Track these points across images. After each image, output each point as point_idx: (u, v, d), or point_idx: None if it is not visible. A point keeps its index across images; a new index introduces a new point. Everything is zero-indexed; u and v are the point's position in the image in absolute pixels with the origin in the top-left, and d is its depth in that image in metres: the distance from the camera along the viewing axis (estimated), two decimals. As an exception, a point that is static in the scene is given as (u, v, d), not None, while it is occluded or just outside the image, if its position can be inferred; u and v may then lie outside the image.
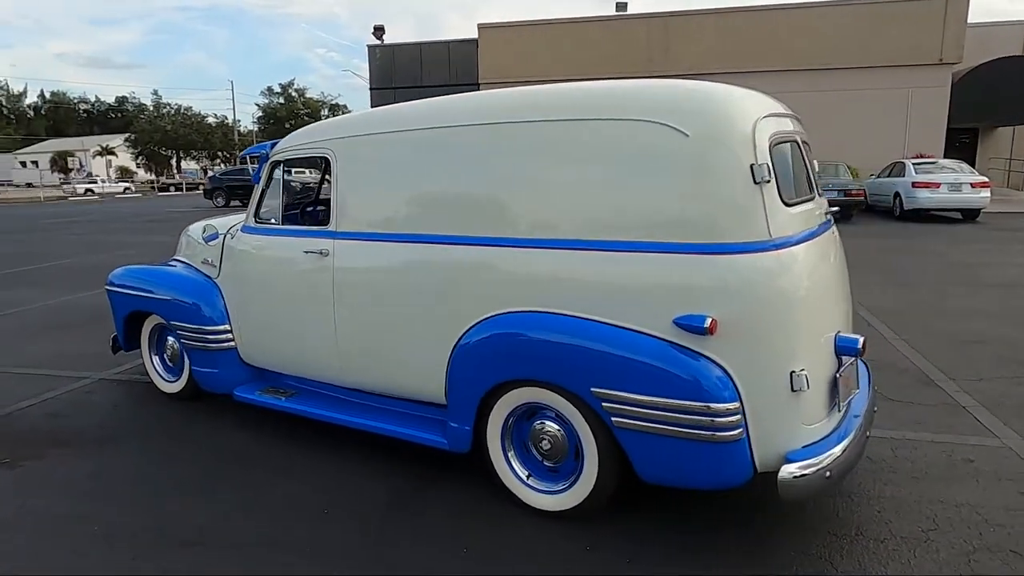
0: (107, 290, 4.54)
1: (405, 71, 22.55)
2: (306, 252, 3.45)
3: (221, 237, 3.99)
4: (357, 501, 3.06)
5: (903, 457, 3.41)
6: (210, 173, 33.54)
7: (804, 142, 3.04)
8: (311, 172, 10.57)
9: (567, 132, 2.71)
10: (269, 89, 64.45)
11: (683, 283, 2.48)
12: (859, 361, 3.36)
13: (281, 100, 64.56)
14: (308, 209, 3.86)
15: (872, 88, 19.27)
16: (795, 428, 2.48)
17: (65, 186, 42.20)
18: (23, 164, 69.57)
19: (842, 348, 2.62)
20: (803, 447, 2.48)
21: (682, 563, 2.57)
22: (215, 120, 63.84)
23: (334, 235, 3.36)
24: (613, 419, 2.58)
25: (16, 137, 77.18)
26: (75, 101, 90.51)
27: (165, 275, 4.25)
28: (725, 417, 2.40)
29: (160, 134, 52.23)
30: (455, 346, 2.93)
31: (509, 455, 2.96)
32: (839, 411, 2.64)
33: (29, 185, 52.91)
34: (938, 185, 14.77)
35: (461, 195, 3.00)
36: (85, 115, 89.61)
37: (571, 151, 2.70)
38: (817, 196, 2.95)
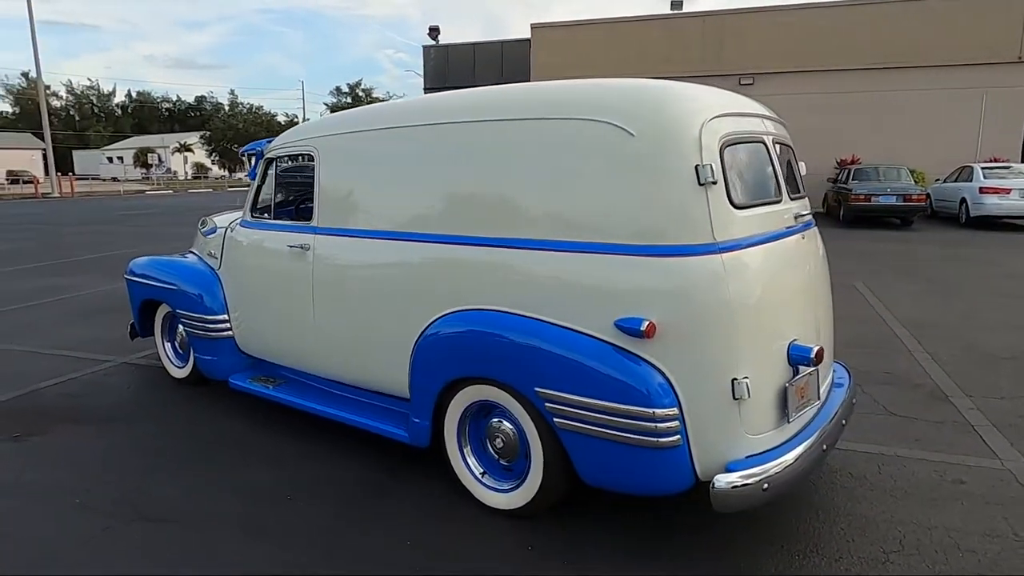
0: (126, 278, 4.80)
1: (458, 71, 22.80)
2: (290, 246, 3.57)
3: (220, 231, 4.17)
4: (329, 488, 3.15)
5: (888, 474, 3.25)
6: None
7: (780, 143, 2.95)
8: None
9: (517, 131, 2.71)
10: (337, 89, 66.65)
11: (625, 285, 2.45)
12: (844, 371, 3.25)
13: (348, 100, 66.64)
14: (300, 205, 3.98)
15: (941, 88, 18.25)
16: (737, 437, 2.41)
17: (145, 179, 44.60)
18: (110, 159, 73.83)
19: (795, 357, 2.53)
20: (747, 457, 2.41)
21: (621, 567, 2.53)
22: (285, 119, 66.37)
23: (315, 230, 3.47)
24: (555, 420, 2.57)
25: (105, 134, 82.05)
26: (158, 100, 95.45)
27: (175, 266, 4.46)
28: (662, 423, 2.36)
29: (233, 132, 54.65)
30: (416, 342, 2.97)
31: (465, 451, 2.98)
32: (789, 422, 2.54)
33: (114, 179, 56.04)
34: (1008, 191, 13.89)
35: (418, 193, 3.05)
36: (167, 113, 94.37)
37: (521, 150, 2.70)
38: (789, 198, 2.84)
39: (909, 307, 6.86)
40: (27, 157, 60.73)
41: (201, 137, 56.94)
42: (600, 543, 2.69)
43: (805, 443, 2.52)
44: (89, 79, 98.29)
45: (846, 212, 15.14)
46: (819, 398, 2.74)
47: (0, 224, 18.14)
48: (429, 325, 2.92)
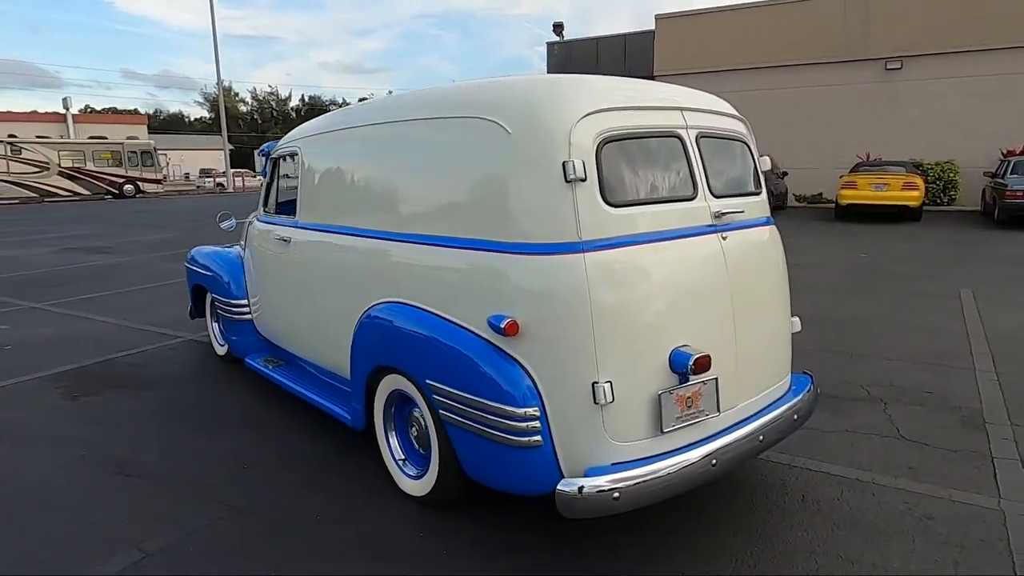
0: (184, 265, 5.44)
1: (580, 66, 22.66)
2: (277, 239, 3.90)
3: (239, 223, 4.63)
4: (295, 459, 3.43)
5: (847, 501, 2.95)
6: None
7: (714, 137, 2.78)
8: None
9: (419, 130, 2.81)
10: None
11: (498, 283, 2.47)
12: (805, 384, 3.00)
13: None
14: (291, 201, 4.31)
15: None
16: (601, 443, 2.34)
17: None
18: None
19: (674, 364, 2.39)
20: (612, 464, 2.34)
21: (498, 563, 2.55)
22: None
23: (296, 225, 3.77)
24: (440, 412, 2.64)
25: (281, 135, 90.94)
26: (327, 103, 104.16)
27: (216, 256, 5.00)
28: (523, 422, 2.35)
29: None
30: (354, 331, 3.16)
31: (390, 437, 3.12)
32: (663, 432, 2.40)
33: (286, 176, 62.16)
34: None
35: (357, 191, 3.24)
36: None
37: (422, 149, 2.79)
38: (712, 196, 2.67)
39: (1010, 323, 5.97)
40: (217, 157, 69.19)
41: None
42: (481, 539, 2.71)
43: (684, 456, 2.38)
44: (270, 86, 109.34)
45: (1001, 210, 13.26)
46: (719, 410, 2.55)
47: (176, 214, 20.84)
48: (362, 314, 3.09)
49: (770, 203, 3.16)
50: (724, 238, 2.67)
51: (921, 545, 2.62)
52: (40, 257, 11.47)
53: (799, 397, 2.93)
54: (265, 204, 4.35)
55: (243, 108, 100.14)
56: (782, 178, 18.18)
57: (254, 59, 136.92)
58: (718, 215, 2.66)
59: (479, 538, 2.72)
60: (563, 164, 2.30)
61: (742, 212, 2.76)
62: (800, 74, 19.07)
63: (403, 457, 3.08)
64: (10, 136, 32.01)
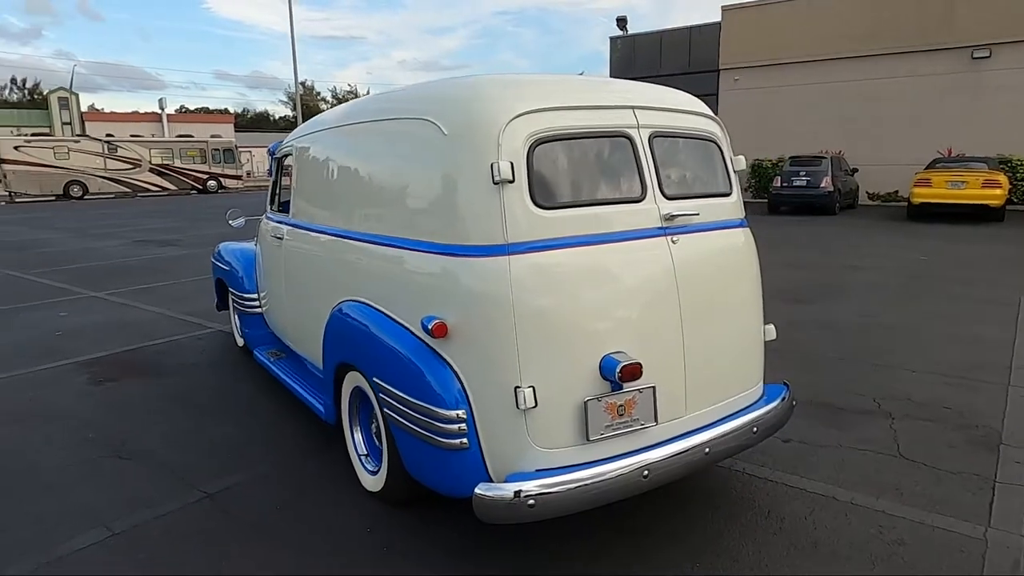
0: (211, 260, 5.71)
1: (643, 61, 22.23)
2: (274, 236, 4.04)
3: (249, 221, 4.82)
4: (278, 449, 3.57)
5: (815, 520, 2.80)
6: None
7: (674, 136, 2.69)
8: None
9: (372, 131, 2.85)
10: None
11: (433, 283, 2.48)
12: (777, 395, 2.88)
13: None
14: (288, 200, 4.44)
15: None
16: (525, 448, 2.31)
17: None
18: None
19: (603, 371, 2.33)
20: (536, 470, 2.31)
21: (430, 559, 2.57)
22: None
23: (287, 222, 3.89)
24: (384, 410, 2.67)
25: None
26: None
27: (235, 251, 5.22)
28: (451, 424, 2.36)
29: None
30: (324, 327, 3.24)
31: (354, 431, 3.18)
32: (588, 440, 2.34)
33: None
34: None
35: (329, 190, 3.32)
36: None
37: (374, 150, 2.84)
38: (663, 197, 2.58)
39: (1068, 332, 5.48)
40: (296, 153, 72.40)
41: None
42: (420, 534, 2.73)
43: (611, 466, 2.32)
44: (349, 85, 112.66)
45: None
46: (657, 420, 2.46)
47: (248, 208, 21.80)
48: (332, 311, 3.16)
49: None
50: (674, 241, 2.57)
51: (880, 573, 2.45)
52: (113, 248, 12.28)
53: (763, 409, 2.80)
54: (271, 202, 4.51)
55: (324, 106, 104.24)
56: (851, 175, 17.28)
57: (338, 59, 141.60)
58: (668, 217, 2.57)
59: (428, 536, 2.73)
60: (491, 166, 2.28)
61: (697, 215, 2.65)
62: (875, 65, 18.01)
63: (365, 452, 3.14)
64: (107, 135, 34.39)
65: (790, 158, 16.68)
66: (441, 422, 2.37)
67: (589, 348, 2.34)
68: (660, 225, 2.56)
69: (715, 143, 2.88)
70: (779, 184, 16.14)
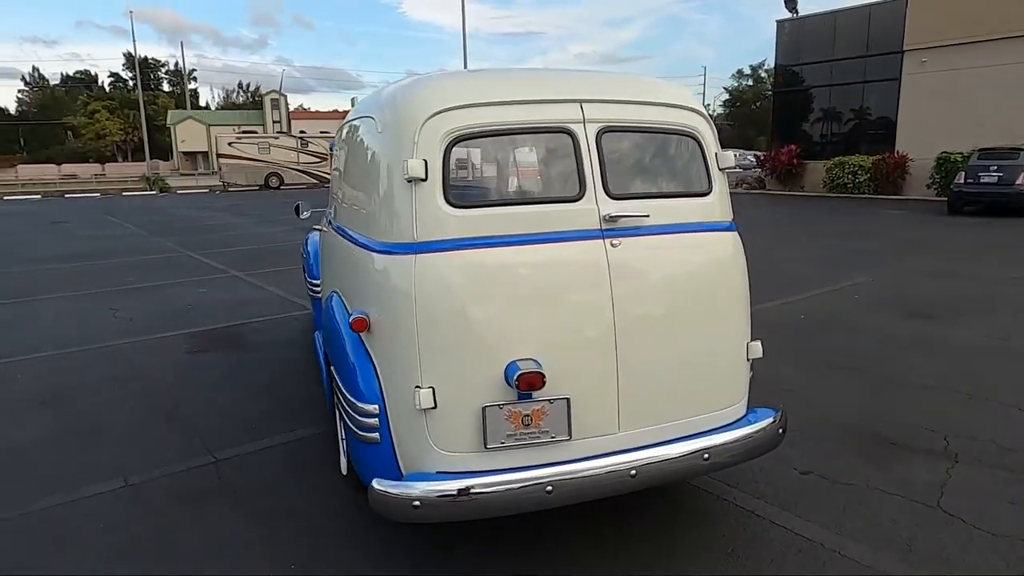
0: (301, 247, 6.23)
1: (813, 44, 20.30)
2: (323, 226, 4.32)
3: (315, 212, 5.17)
4: (297, 426, 3.85)
5: (781, 565, 2.47)
6: None
7: (622, 129, 2.49)
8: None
9: (351, 128, 2.99)
10: (739, 72, 65.06)
11: (364, 278, 2.54)
12: (763, 418, 2.61)
13: (749, 82, 64.73)
14: None
15: None
16: (426, 449, 2.29)
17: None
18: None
19: (507, 377, 2.22)
20: (436, 472, 2.28)
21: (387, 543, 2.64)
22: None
23: (327, 214, 4.15)
24: (336, 396, 2.79)
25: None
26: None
27: (311, 239, 5.64)
28: (366, 418, 2.41)
29: (622, 121, 58.30)
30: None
31: (336, 417, 3.33)
32: (487, 447, 2.25)
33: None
34: None
35: (335, 185, 3.50)
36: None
37: (348, 146, 2.97)
38: (607, 196, 2.39)
39: None
40: (470, 147, 76.01)
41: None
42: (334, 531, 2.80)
43: (507, 477, 2.22)
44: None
45: None
46: (571, 435, 2.30)
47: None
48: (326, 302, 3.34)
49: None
50: (615, 244, 2.38)
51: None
52: (278, 234, 13.74)
53: (725, 435, 2.51)
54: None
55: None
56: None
57: (517, 55, 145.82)
58: (609, 218, 2.38)
59: (391, 530, 2.81)
60: (405, 163, 2.28)
61: (647, 216, 2.43)
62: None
63: (344, 437, 3.28)
64: (300, 132, 38.44)
65: (979, 150, 14.41)
66: (359, 415, 2.43)
67: (493, 353, 2.26)
68: (598, 227, 2.38)
69: (693, 137, 2.61)
70: (963, 180, 14.04)
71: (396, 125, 2.37)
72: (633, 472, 2.33)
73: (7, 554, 2.65)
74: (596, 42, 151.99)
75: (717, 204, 2.64)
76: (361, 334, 2.48)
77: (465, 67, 45.75)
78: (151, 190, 33.25)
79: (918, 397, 4.09)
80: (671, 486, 2.96)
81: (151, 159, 48.09)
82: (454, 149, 2.30)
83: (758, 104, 60.04)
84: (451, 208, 2.28)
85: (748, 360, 2.70)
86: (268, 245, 11.95)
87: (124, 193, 33.05)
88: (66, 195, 32.79)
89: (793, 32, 21.46)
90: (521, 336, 2.29)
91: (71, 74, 79.15)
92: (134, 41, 55.13)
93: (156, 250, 11.76)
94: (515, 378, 2.19)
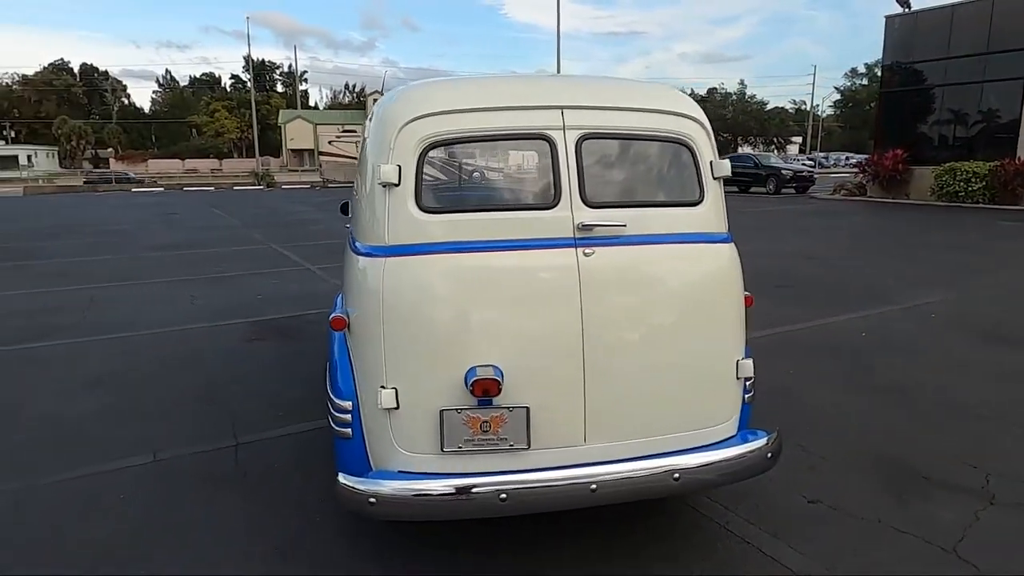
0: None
1: (926, 42, 18.78)
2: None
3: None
4: (320, 417, 4.03)
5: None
6: None
7: (605, 136, 2.44)
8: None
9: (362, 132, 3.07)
10: (853, 71, 61.55)
11: (347, 279, 2.63)
12: (750, 441, 2.52)
13: (864, 82, 61.08)
14: None
15: None
16: (391, 448, 2.35)
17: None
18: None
19: (467, 382, 2.23)
20: (399, 471, 2.34)
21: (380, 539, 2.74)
22: (792, 106, 64.35)
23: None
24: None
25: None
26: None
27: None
28: (340, 413, 2.49)
29: (720, 122, 56.33)
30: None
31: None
32: (443, 451, 2.26)
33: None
34: None
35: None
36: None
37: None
38: (583, 204, 2.34)
39: None
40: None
41: (690, 128, 60.67)
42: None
43: (461, 481, 2.23)
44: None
45: None
46: (530, 444, 2.27)
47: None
48: None
49: None
50: (588, 254, 2.34)
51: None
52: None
53: (702, 456, 2.41)
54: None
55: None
56: None
57: (619, 55, 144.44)
58: (583, 227, 2.34)
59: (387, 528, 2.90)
60: (378, 168, 2.34)
61: (624, 225, 2.37)
62: None
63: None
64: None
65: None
66: (335, 411, 2.51)
67: (455, 358, 2.28)
68: (572, 235, 2.35)
69: (685, 145, 2.52)
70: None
71: (377, 130, 2.44)
72: (593, 487, 2.28)
73: (31, 518, 2.93)
74: (700, 41, 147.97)
75: (710, 214, 2.53)
76: (345, 333, 2.57)
77: (558, 68, 45.73)
78: (259, 185, 35.46)
79: (969, 429, 3.75)
80: (657, 502, 2.87)
81: (262, 156, 51.23)
82: (431, 155, 2.34)
83: (872, 105, 56.59)
84: (422, 213, 2.32)
85: (740, 378, 2.57)
86: (342, 240, 12.44)
87: (235, 187, 35.40)
88: (184, 188, 35.54)
89: (904, 28, 19.98)
90: (485, 342, 2.29)
91: (198, 76, 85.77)
92: (249, 44, 58.65)
93: (245, 241, 12.55)
94: (470, 383, 2.20)
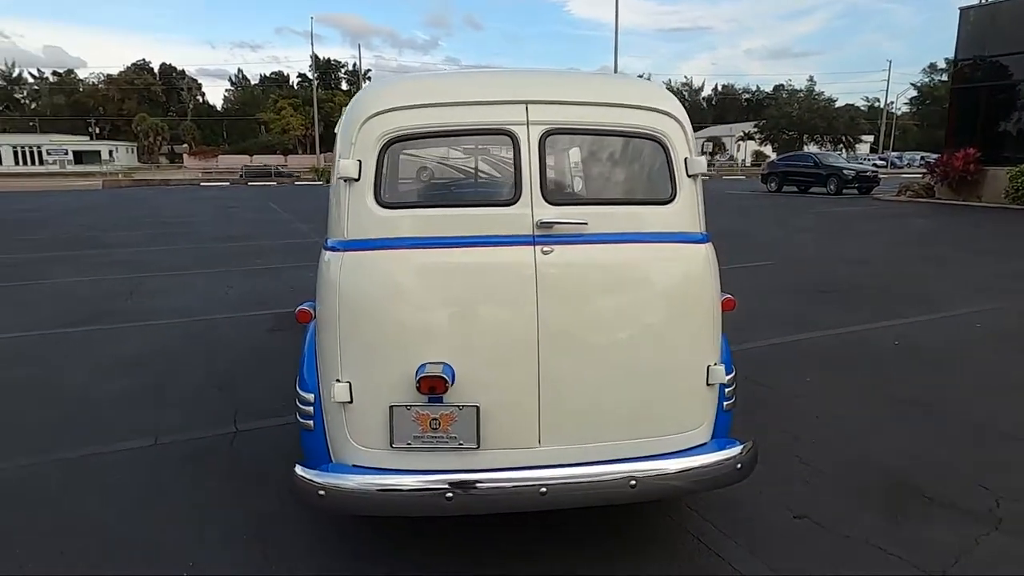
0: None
1: (1003, 35, 17.58)
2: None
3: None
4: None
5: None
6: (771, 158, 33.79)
7: (570, 131, 2.38)
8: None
9: None
10: (932, 66, 58.54)
11: (317, 274, 2.64)
12: (720, 450, 2.43)
13: (944, 78, 58.07)
14: None
15: None
16: (345, 441, 2.36)
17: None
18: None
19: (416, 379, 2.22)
20: (353, 465, 2.35)
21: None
22: (865, 103, 61.63)
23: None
24: (303, 383, 2.93)
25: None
26: (739, 92, 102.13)
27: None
28: (304, 405, 2.52)
29: (786, 120, 54.41)
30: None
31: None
32: (392, 446, 2.25)
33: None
34: None
35: None
36: (745, 103, 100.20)
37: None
38: (539, 202, 2.29)
39: None
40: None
41: (755, 126, 58.60)
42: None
43: (406, 479, 2.22)
44: (685, 77, 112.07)
45: None
46: (479, 444, 2.23)
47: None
48: None
49: None
50: (546, 252, 2.29)
51: None
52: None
53: (661, 464, 2.32)
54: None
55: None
56: None
57: (683, 51, 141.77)
58: (542, 224, 2.29)
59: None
60: (339, 163, 2.35)
61: (585, 223, 2.30)
62: None
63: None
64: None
65: None
66: (300, 402, 2.54)
67: (407, 354, 2.26)
68: (530, 233, 2.30)
69: (657, 141, 2.43)
70: None
71: (343, 126, 2.44)
72: (543, 490, 2.23)
73: (27, 492, 3.08)
74: (769, 36, 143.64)
75: (683, 213, 2.44)
76: (313, 327, 2.59)
77: (615, 65, 45.25)
78: (318, 180, 36.44)
79: (989, 449, 3.50)
80: (631, 507, 2.78)
81: (325, 152, 52.57)
82: (392, 150, 2.33)
83: (946, 104, 53.66)
84: (381, 209, 2.31)
85: (711, 385, 2.47)
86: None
87: (296, 183, 36.49)
88: (249, 183, 36.82)
89: (980, 21, 18.80)
90: (437, 339, 2.27)
91: (268, 75, 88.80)
92: (312, 43, 60.25)
93: (292, 235, 12.92)
94: (417, 380, 2.19)
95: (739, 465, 2.40)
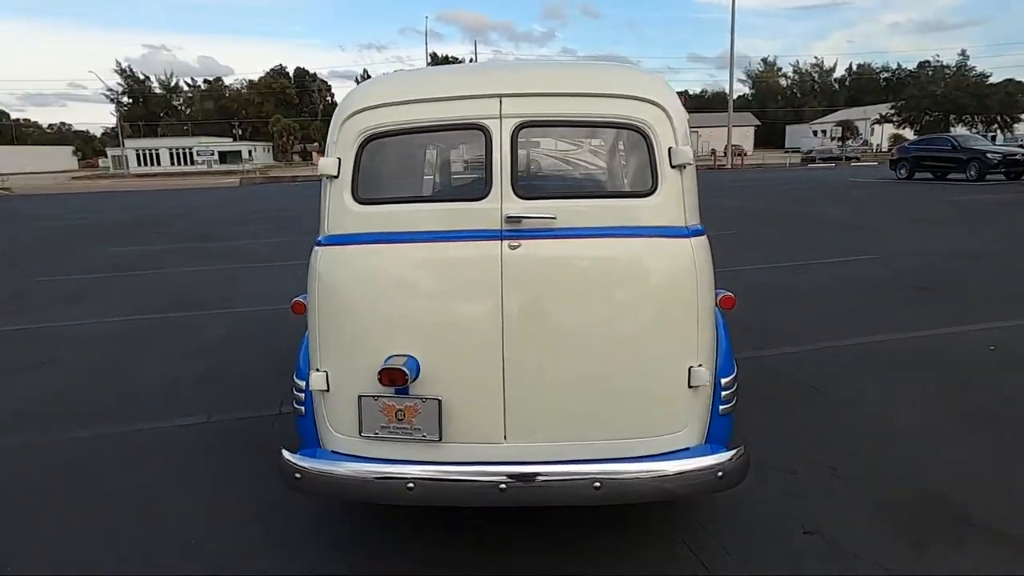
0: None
1: None
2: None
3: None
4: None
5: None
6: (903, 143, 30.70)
7: (546, 123, 2.35)
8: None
9: None
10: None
11: (314, 267, 2.77)
12: (709, 455, 2.36)
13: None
14: None
15: None
16: (325, 427, 2.47)
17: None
18: (814, 133, 77.91)
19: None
20: (332, 451, 2.46)
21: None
22: None
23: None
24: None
25: (818, 108, 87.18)
26: (877, 71, 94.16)
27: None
28: (296, 392, 2.66)
29: (929, 99, 49.41)
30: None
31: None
32: (361, 435, 2.31)
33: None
34: None
35: None
36: (884, 83, 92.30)
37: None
38: (509, 196, 2.26)
39: None
40: (743, 133, 71.08)
41: (892, 107, 53.63)
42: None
43: (370, 467, 2.29)
44: (816, 57, 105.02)
45: None
46: (441, 438, 2.25)
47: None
48: None
49: None
50: (514, 247, 2.27)
51: None
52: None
53: (630, 467, 2.24)
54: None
55: (783, 83, 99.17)
56: None
57: (817, 30, 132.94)
58: (511, 219, 2.27)
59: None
60: (320, 161, 2.44)
61: (554, 218, 2.25)
62: None
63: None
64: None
65: None
66: (294, 389, 2.68)
67: (375, 346, 2.33)
68: (499, 227, 2.29)
69: (638, 130, 2.33)
70: None
71: (331, 125, 2.54)
72: (503, 486, 2.22)
73: (83, 462, 3.46)
74: (914, 9, 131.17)
75: (666, 206, 2.32)
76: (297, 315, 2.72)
77: (732, 48, 43.09)
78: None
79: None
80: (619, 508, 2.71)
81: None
82: (368, 147, 2.40)
83: None
84: (358, 204, 2.39)
85: (694, 387, 2.35)
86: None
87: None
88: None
89: None
90: (404, 332, 2.32)
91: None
92: (426, 42, 62.48)
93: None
94: (378, 372, 2.24)
95: (720, 473, 2.27)
